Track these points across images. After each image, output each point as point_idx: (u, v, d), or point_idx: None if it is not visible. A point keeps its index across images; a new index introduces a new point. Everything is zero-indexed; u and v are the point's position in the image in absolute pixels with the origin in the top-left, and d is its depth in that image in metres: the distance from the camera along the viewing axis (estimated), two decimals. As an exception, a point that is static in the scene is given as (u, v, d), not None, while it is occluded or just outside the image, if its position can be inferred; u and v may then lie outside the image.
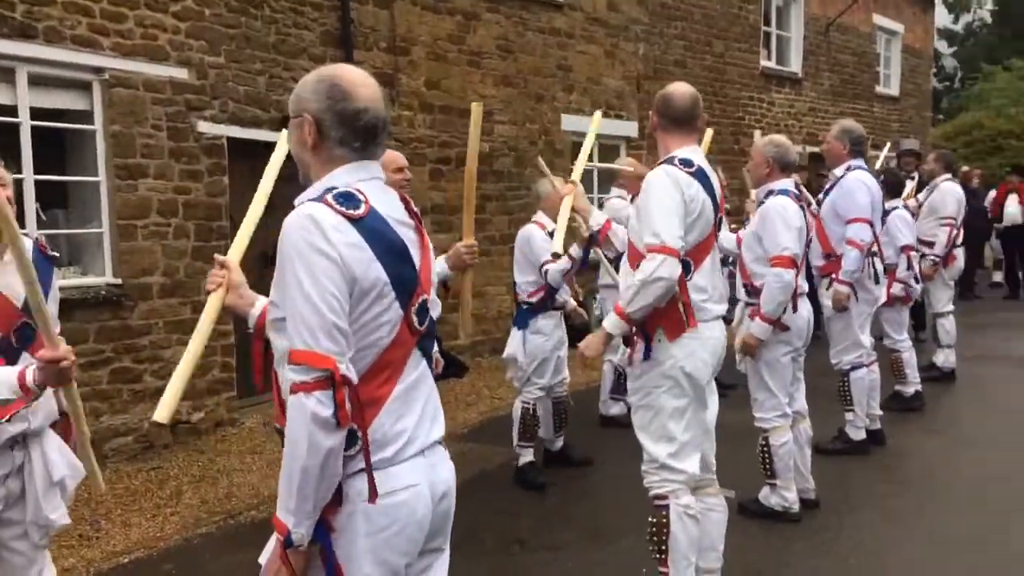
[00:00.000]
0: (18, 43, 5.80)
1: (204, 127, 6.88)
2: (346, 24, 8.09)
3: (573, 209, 4.14)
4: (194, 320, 2.39)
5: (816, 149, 13.44)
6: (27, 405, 2.65)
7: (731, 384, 6.34)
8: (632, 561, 4.23)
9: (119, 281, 6.34)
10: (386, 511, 1.98)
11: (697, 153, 3.57)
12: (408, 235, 2.08)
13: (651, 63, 12.08)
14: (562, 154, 10.59)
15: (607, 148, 11.26)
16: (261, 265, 7.71)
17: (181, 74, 6.73)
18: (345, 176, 2.03)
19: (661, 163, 3.51)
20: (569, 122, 10.59)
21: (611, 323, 3.44)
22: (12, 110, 5.90)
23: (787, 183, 4.69)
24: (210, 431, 6.83)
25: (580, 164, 4.41)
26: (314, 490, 1.87)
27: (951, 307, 8.10)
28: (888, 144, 10.71)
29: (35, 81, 6.01)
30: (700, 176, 3.45)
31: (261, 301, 2.35)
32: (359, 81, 2.05)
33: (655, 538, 3.47)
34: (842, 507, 4.96)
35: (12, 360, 2.73)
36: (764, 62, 14.71)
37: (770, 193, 4.66)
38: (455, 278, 3.69)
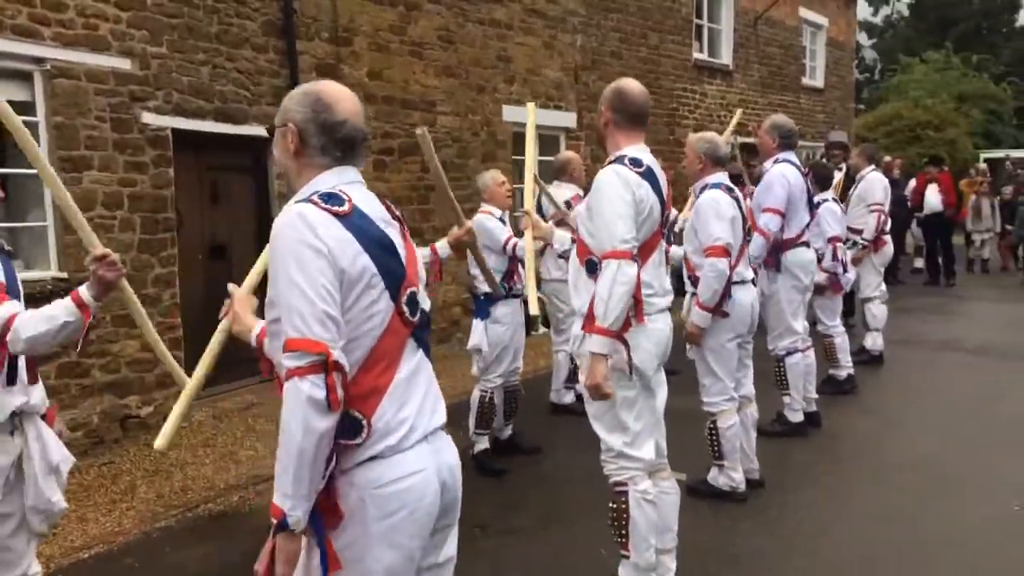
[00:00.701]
0: (-44, 33, 5.66)
1: (148, 118, 6.80)
2: (288, 14, 8.04)
3: (536, 239, 4.38)
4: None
5: (748, 140, 13.81)
6: (86, 331, 2.78)
7: (674, 371, 6.52)
8: (590, 543, 4.39)
9: (65, 275, 6.24)
10: (395, 496, 2.10)
11: (645, 152, 3.63)
12: (392, 232, 2.22)
13: (588, 54, 12.25)
14: (504, 145, 10.71)
15: (546, 139, 11.38)
16: (208, 255, 7.68)
17: (124, 64, 6.63)
18: (330, 180, 2.19)
19: (611, 162, 3.56)
20: (510, 113, 10.69)
21: (596, 344, 3.33)
22: (-50, 101, 5.75)
23: (721, 176, 4.86)
24: (159, 425, 6.71)
25: (528, 184, 4.59)
26: (309, 472, 1.97)
27: (880, 292, 8.41)
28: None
29: (-26, 72, 5.86)
30: (648, 176, 3.52)
31: (259, 323, 2.41)
32: (341, 96, 2.23)
33: (616, 523, 3.60)
34: (784, 487, 5.21)
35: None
36: (696, 54, 15.02)
37: (705, 187, 4.84)
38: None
